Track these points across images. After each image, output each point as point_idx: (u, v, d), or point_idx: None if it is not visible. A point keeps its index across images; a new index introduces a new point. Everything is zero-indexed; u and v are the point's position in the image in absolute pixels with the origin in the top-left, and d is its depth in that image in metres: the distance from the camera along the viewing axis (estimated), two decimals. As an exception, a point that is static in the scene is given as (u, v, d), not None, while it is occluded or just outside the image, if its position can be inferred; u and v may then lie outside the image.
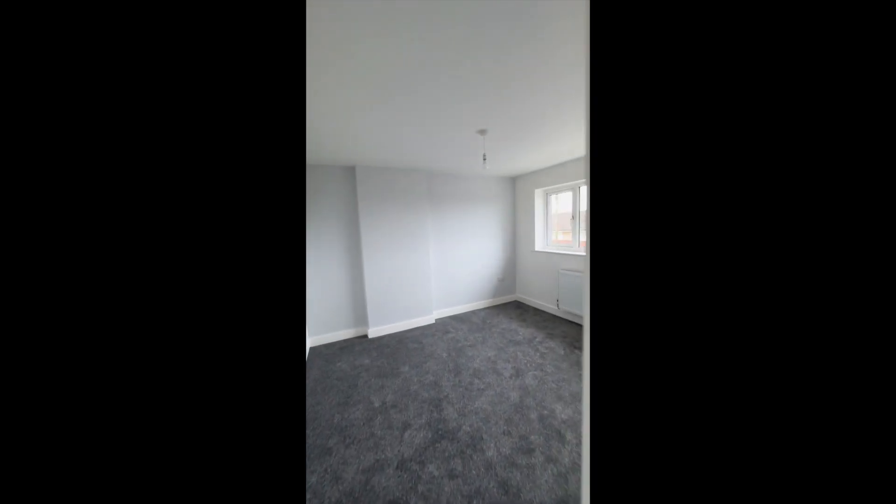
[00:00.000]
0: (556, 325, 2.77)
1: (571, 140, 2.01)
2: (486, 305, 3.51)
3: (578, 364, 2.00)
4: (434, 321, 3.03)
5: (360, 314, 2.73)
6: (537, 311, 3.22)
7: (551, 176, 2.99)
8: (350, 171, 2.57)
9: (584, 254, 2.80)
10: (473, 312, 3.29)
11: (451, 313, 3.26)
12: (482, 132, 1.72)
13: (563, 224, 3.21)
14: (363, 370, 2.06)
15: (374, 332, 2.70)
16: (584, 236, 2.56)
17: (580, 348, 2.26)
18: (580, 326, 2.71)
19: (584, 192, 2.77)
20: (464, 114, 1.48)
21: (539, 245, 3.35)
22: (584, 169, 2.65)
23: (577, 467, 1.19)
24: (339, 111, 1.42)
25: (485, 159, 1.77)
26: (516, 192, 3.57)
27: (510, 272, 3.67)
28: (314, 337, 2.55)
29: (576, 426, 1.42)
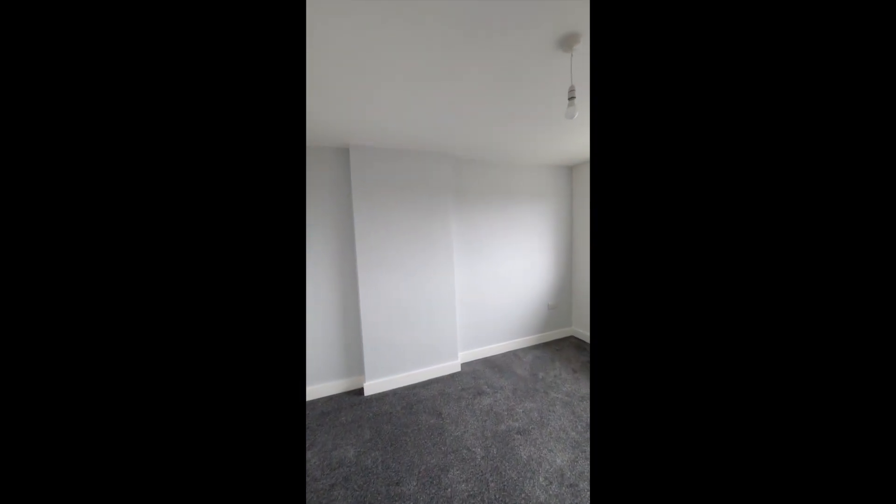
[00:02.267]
0: (657, 393, 1.72)
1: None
2: (533, 343, 2.53)
3: None
4: (460, 368, 2.13)
5: (353, 359, 1.91)
6: (612, 359, 2.17)
7: (638, 158, 1.99)
8: (341, 155, 1.80)
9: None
10: (515, 355, 2.33)
11: (484, 355, 2.33)
12: (569, 43, 0.83)
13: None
14: (342, 477, 1.21)
15: (372, 386, 1.86)
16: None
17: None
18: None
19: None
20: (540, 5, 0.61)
21: (612, 261, 2.32)
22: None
23: None
24: (326, 48, 0.64)
25: (572, 98, 0.87)
26: (574, 185, 2.59)
27: (565, 297, 2.66)
28: (286, 393, 1.76)
29: None
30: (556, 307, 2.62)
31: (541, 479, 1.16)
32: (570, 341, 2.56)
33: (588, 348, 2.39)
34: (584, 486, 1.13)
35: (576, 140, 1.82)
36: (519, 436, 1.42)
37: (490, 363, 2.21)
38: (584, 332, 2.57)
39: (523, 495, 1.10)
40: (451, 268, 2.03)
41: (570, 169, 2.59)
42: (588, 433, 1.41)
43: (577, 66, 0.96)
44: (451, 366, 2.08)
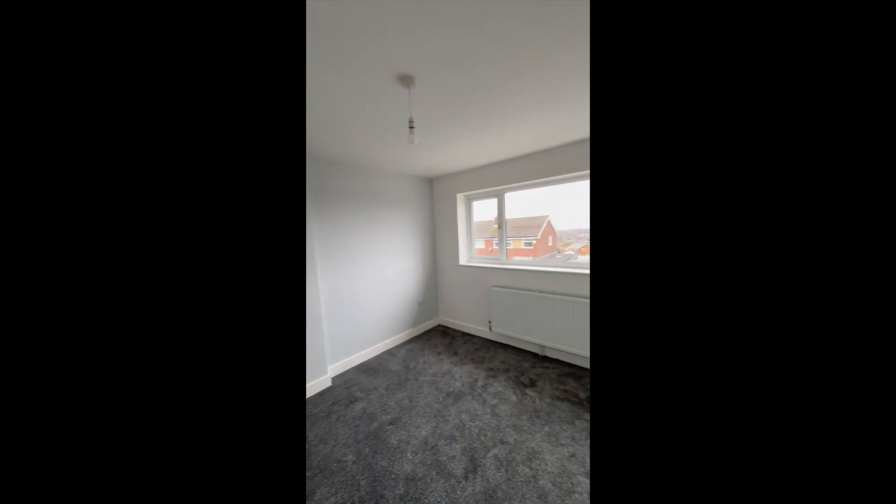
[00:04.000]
0: (493, 354, 2.32)
1: (539, 123, 1.60)
2: (407, 338, 2.73)
3: (540, 414, 1.55)
4: (330, 383, 1.99)
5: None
6: (467, 337, 2.72)
7: (474, 179, 2.60)
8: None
9: (514, 268, 2.56)
10: (391, 353, 2.44)
11: (359, 361, 2.29)
12: (406, 82, 1.00)
13: (487, 234, 2.88)
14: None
15: (201, 441, 1.41)
16: (523, 247, 2.42)
17: (528, 384, 1.85)
18: (516, 350, 2.36)
19: (512, 198, 2.54)
20: (377, 40, 0.73)
21: (464, 258, 2.89)
22: (508, 173, 2.41)
23: None
24: None
25: (412, 128, 1.06)
26: (434, 196, 3.01)
27: (431, 292, 3.05)
28: None
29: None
30: (425, 302, 2.96)
31: (408, 458, 1.31)
32: (438, 329, 2.96)
33: (451, 333, 2.86)
34: (443, 444, 1.38)
35: (427, 157, 2.14)
36: (391, 426, 1.52)
37: (364, 368, 2.20)
38: (449, 319, 3.04)
39: (393, 476, 1.21)
40: (313, 277, 1.87)
41: (431, 181, 3.00)
42: (448, 401, 1.72)
43: (415, 102, 1.17)
44: (320, 383, 1.91)
